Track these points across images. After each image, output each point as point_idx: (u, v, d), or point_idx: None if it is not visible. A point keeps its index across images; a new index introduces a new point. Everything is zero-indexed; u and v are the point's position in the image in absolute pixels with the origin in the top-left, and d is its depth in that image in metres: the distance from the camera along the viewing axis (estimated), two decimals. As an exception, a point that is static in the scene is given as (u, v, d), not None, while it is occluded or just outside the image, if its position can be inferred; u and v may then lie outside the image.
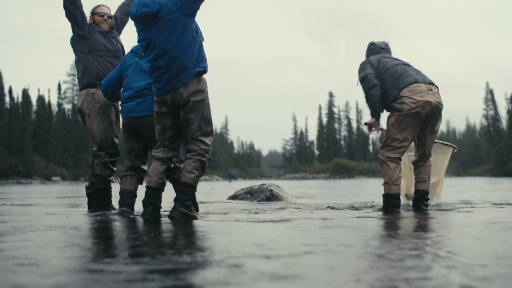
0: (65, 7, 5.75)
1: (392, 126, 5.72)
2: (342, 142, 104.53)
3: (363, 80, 5.87)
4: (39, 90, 71.90)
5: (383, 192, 5.78)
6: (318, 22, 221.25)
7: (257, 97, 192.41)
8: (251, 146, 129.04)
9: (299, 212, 5.70)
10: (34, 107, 67.04)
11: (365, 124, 5.97)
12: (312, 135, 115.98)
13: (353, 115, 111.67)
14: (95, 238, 3.62)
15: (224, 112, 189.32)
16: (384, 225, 4.46)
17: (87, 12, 5.97)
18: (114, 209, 5.83)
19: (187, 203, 4.73)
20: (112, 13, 6.21)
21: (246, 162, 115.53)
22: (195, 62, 4.74)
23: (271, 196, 8.37)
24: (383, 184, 5.78)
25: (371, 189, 14.46)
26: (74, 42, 5.96)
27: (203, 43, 4.87)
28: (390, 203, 5.69)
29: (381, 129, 6.11)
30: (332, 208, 6.34)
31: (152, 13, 4.68)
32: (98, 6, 6.10)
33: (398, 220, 4.82)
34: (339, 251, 2.77)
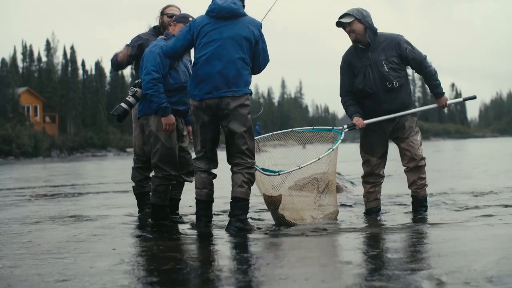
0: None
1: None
2: (416, 104, 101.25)
3: (426, 58, 5.55)
4: (111, 62, 71.96)
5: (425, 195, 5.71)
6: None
7: (329, 61, 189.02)
8: (326, 109, 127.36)
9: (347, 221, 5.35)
10: (108, 79, 67.78)
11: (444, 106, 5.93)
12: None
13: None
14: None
15: (298, 77, 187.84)
16: None
17: (158, 12, 5.81)
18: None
19: (241, 217, 4.76)
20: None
21: (321, 126, 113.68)
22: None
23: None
24: (425, 185, 5.67)
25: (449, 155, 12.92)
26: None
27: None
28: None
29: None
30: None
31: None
32: (168, 6, 5.82)
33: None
34: None
